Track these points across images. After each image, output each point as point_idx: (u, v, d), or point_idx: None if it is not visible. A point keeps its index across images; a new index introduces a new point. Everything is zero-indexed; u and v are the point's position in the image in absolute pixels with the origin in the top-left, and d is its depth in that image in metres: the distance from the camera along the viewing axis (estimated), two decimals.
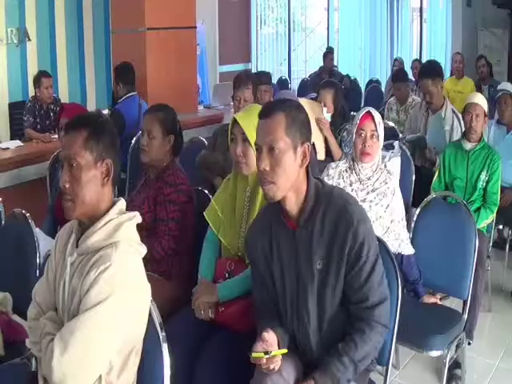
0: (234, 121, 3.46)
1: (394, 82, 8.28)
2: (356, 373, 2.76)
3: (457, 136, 5.86)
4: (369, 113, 4.16)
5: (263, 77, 7.28)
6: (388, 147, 5.42)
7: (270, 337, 2.74)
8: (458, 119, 5.95)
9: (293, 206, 2.77)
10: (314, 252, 2.75)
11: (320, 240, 2.74)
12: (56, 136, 6.55)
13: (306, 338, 2.85)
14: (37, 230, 3.83)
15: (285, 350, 2.76)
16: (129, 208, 2.70)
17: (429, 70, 6.61)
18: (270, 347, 2.70)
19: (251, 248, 3.00)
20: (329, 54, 12.68)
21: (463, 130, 5.51)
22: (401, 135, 6.56)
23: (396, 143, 5.74)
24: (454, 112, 6.16)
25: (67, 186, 2.51)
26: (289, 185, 2.71)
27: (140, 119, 6.88)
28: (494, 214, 5.12)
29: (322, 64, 12.61)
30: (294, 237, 2.80)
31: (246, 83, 5.65)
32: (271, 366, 2.68)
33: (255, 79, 6.01)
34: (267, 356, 2.66)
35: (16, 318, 3.59)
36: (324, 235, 2.74)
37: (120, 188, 5.97)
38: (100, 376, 2.42)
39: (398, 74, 8.46)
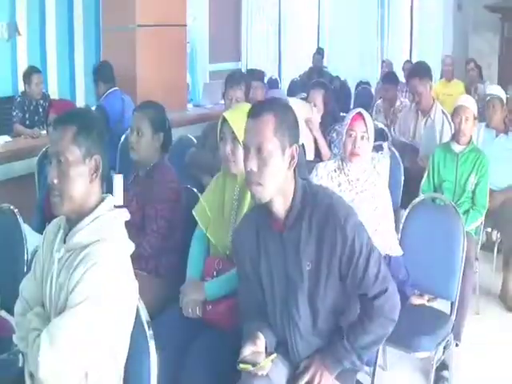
0: (224, 119, 3.45)
1: (383, 83, 8.29)
2: (361, 360, 2.82)
3: (447, 136, 5.88)
4: (359, 114, 4.16)
5: (256, 74, 7.32)
6: (377, 148, 5.42)
7: (260, 342, 2.75)
8: (448, 121, 5.97)
9: (280, 208, 2.74)
10: (302, 254, 2.73)
11: (308, 242, 2.72)
12: (45, 132, 6.53)
13: (296, 338, 2.83)
14: (25, 226, 3.82)
15: (274, 356, 2.75)
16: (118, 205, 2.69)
17: (417, 70, 6.67)
18: (258, 355, 2.70)
19: (237, 249, 2.98)
20: (317, 54, 12.67)
21: (453, 131, 5.53)
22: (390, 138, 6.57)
23: (385, 145, 5.75)
24: (443, 113, 6.18)
25: (55, 181, 2.50)
26: (276, 187, 2.68)
27: (124, 113, 6.93)
28: (483, 217, 5.13)
29: (311, 64, 12.62)
30: (281, 239, 2.77)
31: (239, 83, 5.64)
32: (259, 373, 2.68)
33: (248, 79, 6.01)
34: (254, 368, 2.65)
35: (3, 313, 3.58)
36: (312, 237, 2.72)
37: (110, 186, 5.96)
38: (86, 373, 2.41)
39: (389, 76, 8.48)
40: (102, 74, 7.44)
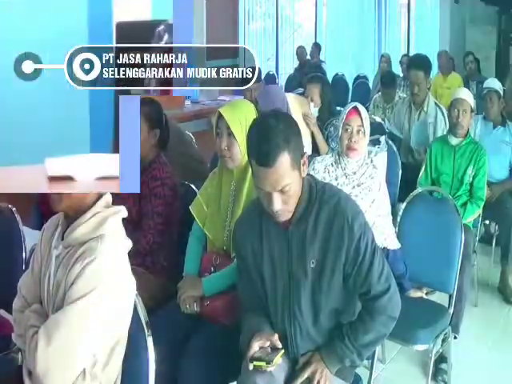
0: (220, 115, 3.45)
1: (383, 87, 8.20)
2: (361, 358, 2.84)
3: (441, 128, 5.90)
4: (355, 108, 4.16)
5: None
6: (374, 142, 5.42)
7: (271, 338, 2.73)
8: (442, 112, 5.98)
9: None
10: (307, 252, 2.72)
11: (313, 239, 2.71)
12: None
13: (296, 334, 2.83)
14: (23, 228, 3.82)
15: (282, 352, 2.72)
16: (114, 202, 2.69)
17: (421, 62, 6.59)
18: (264, 351, 2.68)
19: (239, 244, 2.93)
20: (301, 48, 12.67)
21: (447, 122, 5.53)
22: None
23: (382, 138, 5.74)
24: (436, 104, 6.18)
25: None
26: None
27: None
28: (481, 209, 5.14)
29: (308, 59, 12.63)
30: (285, 236, 2.75)
31: None
32: (269, 369, 2.67)
33: None
34: (269, 366, 2.63)
35: (2, 312, 3.58)
36: (317, 234, 2.70)
37: None
38: (84, 369, 2.41)
39: (387, 78, 8.35)
40: None
